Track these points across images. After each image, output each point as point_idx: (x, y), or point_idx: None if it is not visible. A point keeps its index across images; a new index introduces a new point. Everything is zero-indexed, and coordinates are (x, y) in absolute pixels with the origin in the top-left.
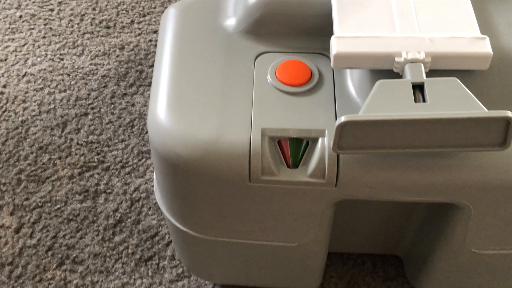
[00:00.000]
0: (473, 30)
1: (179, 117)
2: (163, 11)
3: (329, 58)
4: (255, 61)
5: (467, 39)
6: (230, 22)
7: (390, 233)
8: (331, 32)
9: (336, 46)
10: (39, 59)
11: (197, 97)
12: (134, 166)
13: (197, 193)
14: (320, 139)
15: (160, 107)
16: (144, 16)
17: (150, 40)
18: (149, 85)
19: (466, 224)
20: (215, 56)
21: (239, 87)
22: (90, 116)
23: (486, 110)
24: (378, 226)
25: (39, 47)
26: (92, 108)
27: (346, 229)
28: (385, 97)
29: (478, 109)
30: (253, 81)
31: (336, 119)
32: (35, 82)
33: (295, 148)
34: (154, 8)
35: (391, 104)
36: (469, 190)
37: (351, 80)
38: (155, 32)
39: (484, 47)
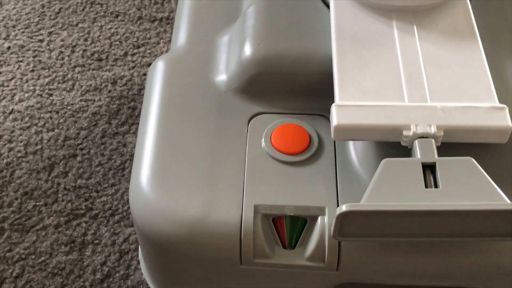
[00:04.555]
0: (490, 98)
1: (163, 191)
2: (158, 42)
3: (330, 120)
4: (248, 123)
5: (484, 109)
6: (222, 78)
7: None
8: (332, 92)
9: (336, 116)
10: (26, 94)
11: (184, 167)
12: (124, 214)
13: (184, 272)
14: (319, 218)
15: (143, 178)
16: (138, 47)
17: (144, 74)
18: None
19: None
20: (205, 118)
21: (231, 155)
22: (79, 158)
23: (503, 196)
24: None
25: (27, 81)
26: (81, 149)
27: None
28: (391, 180)
29: (495, 196)
30: (246, 148)
31: (337, 193)
32: (22, 120)
33: (291, 227)
34: (149, 38)
35: (398, 189)
36: (482, 274)
37: (354, 149)
38: (149, 64)
39: (503, 119)
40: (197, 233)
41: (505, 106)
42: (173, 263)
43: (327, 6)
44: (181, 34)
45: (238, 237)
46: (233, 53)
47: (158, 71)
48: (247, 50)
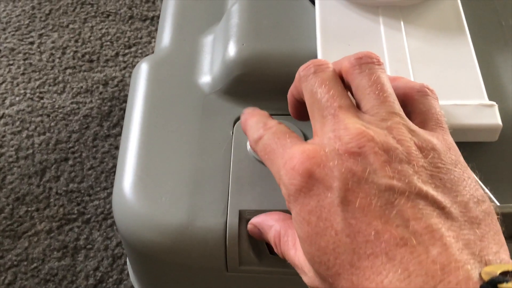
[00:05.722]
0: (480, 95)
1: (146, 198)
2: (150, 41)
3: None
4: (234, 126)
5: (473, 107)
6: (206, 79)
7: None
8: None
9: None
10: (17, 98)
11: (167, 172)
12: None
13: (170, 279)
14: None
15: (126, 185)
16: (129, 47)
17: None
18: None
19: None
20: (189, 121)
21: (215, 159)
22: (70, 162)
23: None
24: None
25: (18, 85)
26: (73, 153)
27: None
28: None
29: None
30: (231, 151)
31: None
32: (13, 124)
33: None
34: (141, 38)
35: None
36: None
37: None
38: None
39: (493, 117)
40: (182, 240)
41: (495, 103)
42: (158, 270)
43: (313, 3)
44: (165, 35)
45: (223, 244)
46: (217, 53)
47: (142, 73)
48: (231, 50)
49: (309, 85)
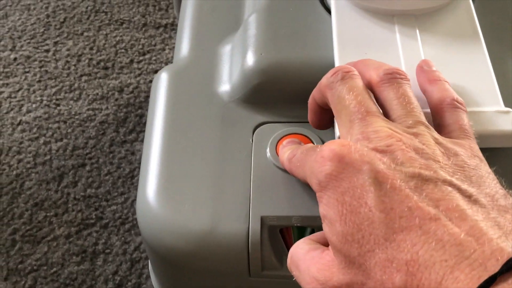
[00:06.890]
0: (495, 102)
1: (170, 205)
2: (163, 48)
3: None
4: (253, 133)
5: (489, 113)
6: (225, 88)
7: None
8: None
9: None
10: (34, 105)
11: (190, 179)
12: (134, 222)
13: (193, 283)
14: None
15: (149, 192)
16: (144, 54)
17: (151, 81)
18: None
19: None
20: (209, 129)
21: (236, 166)
22: (87, 168)
23: None
24: None
25: (34, 92)
26: (90, 158)
27: None
28: None
29: None
30: (252, 158)
31: None
32: (30, 131)
33: (299, 237)
34: (155, 45)
35: None
36: None
37: None
38: (156, 71)
39: (509, 123)
40: (205, 246)
41: (511, 109)
42: (181, 275)
43: (329, 12)
44: (184, 45)
45: (246, 250)
46: (236, 63)
47: (162, 83)
48: (249, 60)
49: (337, 91)
